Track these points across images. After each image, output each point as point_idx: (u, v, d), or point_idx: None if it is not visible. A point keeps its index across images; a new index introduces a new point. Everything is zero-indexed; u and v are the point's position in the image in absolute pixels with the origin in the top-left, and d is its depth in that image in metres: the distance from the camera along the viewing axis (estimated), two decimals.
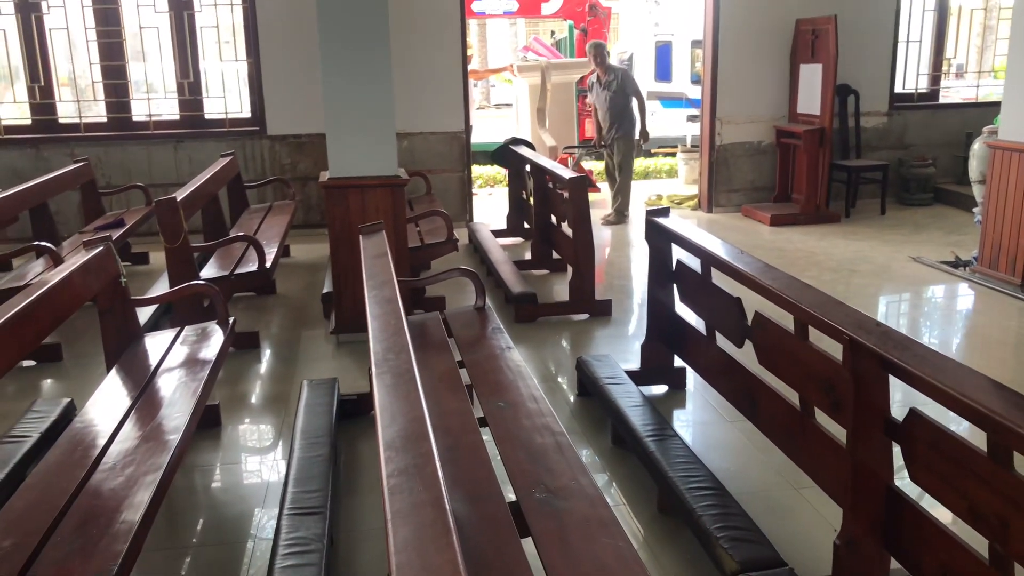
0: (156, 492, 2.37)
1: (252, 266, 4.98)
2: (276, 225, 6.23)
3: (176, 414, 2.95)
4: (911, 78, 8.83)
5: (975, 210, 6.92)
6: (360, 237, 3.67)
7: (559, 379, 4.51)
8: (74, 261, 3.35)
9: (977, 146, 7.00)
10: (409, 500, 1.46)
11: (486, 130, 15.46)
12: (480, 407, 2.97)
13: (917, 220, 8.06)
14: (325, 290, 5.53)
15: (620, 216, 8.32)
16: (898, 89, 8.80)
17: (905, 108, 8.83)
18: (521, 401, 2.89)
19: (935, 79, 9.16)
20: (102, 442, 2.75)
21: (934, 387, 1.99)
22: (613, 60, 10.04)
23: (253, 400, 4.37)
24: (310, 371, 4.64)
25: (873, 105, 8.67)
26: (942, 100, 9.42)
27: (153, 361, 3.52)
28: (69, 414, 3.64)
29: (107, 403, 3.12)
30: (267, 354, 4.99)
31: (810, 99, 8.04)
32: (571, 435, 3.79)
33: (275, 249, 5.40)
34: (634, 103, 8.23)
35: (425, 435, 1.68)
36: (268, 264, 4.97)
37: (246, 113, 7.96)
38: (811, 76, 8.01)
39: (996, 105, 6.19)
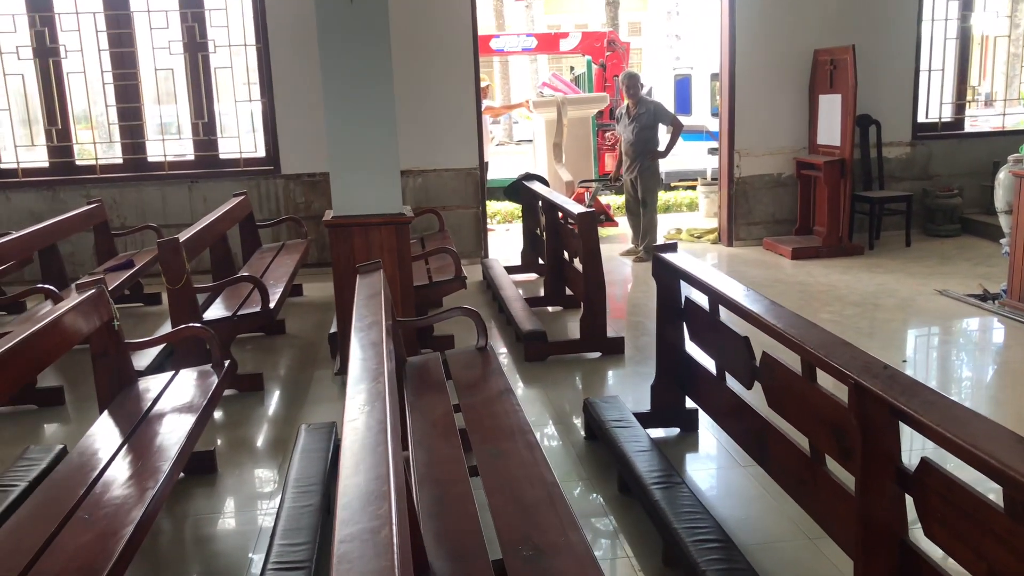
0: (125, 548, 2.26)
1: (256, 307, 4.91)
2: (286, 264, 6.18)
3: (159, 462, 2.86)
4: (934, 107, 8.65)
5: (1003, 241, 6.70)
6: (357, 276, 3.58)
7: (568, 421, 4.36)
8: (64, 304, 3.29)
9: (1003, 175, 6.80)
10: (358, 570, 1.34)
11: (506, 166, 15.48)
12: (474, 454, 2.84)
13: (943, 251, 7.85)
14: (332, 330, 5.44)
15: (650, 254, 8.15)
16: (921, 119, 8.63)
17: (929, 138, 8.64)
18: (515, 449, 2.76)
19: (959, 108, 8.97)
20: (80, 492, 2.65)
21: (944, 437, 1.84)
22: None
23: (252, 445, 4.27)
24: (313, 414, 4.54)
25: (895, 135, 8.50)
26: (968, 129, 9.23)
27: (144, 406, 3.44)
28: (61, 461, 3.55)
29: (92, 450, 3.03)
30: (271, 396, 4.90)
31: (830, 130, 7.90)
32: (577, 481, 3.67)
33: (281, 289, 5.34)
34: (661, 133, 8.07)
35: (386, 495, 1.56)
36: (272, 305, 4.89)
37: (260, 152, 7.97)
38: (830, 107, 7.88)
39: (1023, 133, 6.00)
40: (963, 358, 5.36)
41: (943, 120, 8.73)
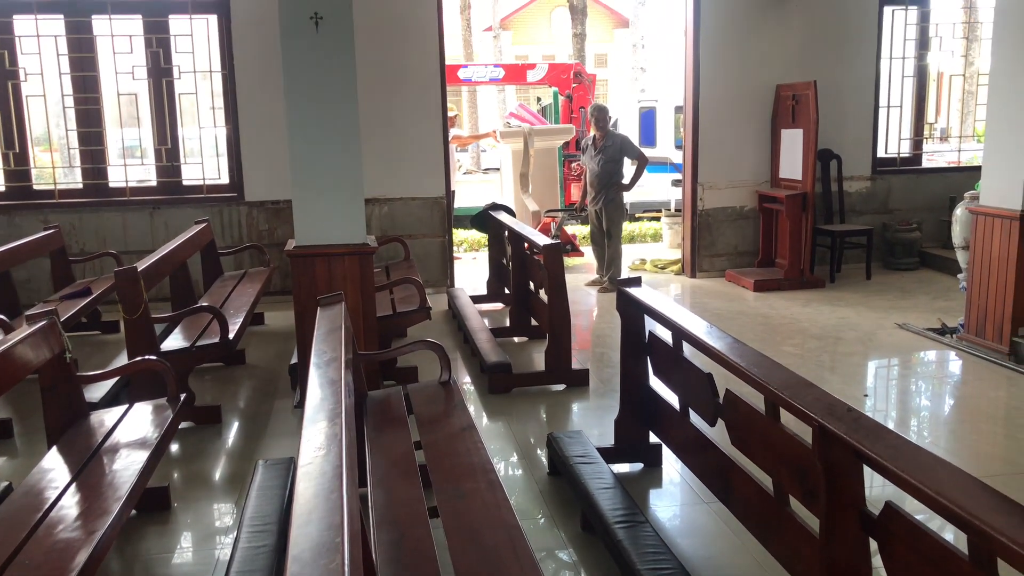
0: None
1: (215, 337, 4.81)
2: (247, 293, 6.08)
3: (109, 500, 2.76)
4: (893, 142, 8.82)
5: (960, 276, 6.82)
6: (318, 309, 3.52)
7: (532, 455, 4.31)
8: (14, 335, 3.19)
9: (960, 211, 6.93)
10: None
11: (473, 195, 15.48)
12: (435, 494, 2.78)
13: (903, 285, 7.96)
14: (293, 360, 5.35)
15: (614, 284, 8.17)
16: (880, 153, 8.78)
17: (888, 172, 8.80)
18: (477, 489, 2.70)
19: (917, 143, 9.16)
20: (23, 534, 2.55)
21: (909, 484, 1.82)
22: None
23: (209, 480, 4.16)
24: (272, 448, 4.44)
25: (856, 170, 8.64)
26: (925, 164, 9.42)
27: (96, 441, 3.33)
28: (3, 500, 3.42)
29: (38, 488, 2.92)
30: (229, 429, 4.79)
31: (792, 164, 8.01)
32: (540, 518, 3.61)
33: (241, 319, 5.24)
34: (626, 166, 8.13)
35: (339, 547, 1.50)
36: (231, 336, 4.80)
37: (224, 179, 7.88)
38: (792, 141, 7.99)
39: (979, 169, 6.13)
40: (923, 392, 5.41)
41: (902, 155, 8.90)
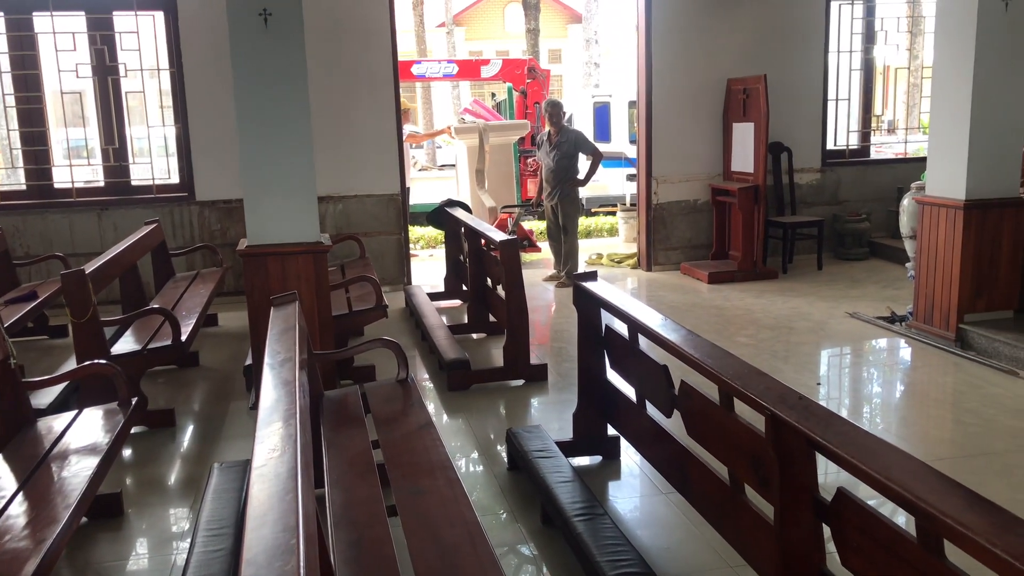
0: None
1: (168, 340, 4.73)
2: (200, 294, 5.99)
3: (58, 508, 2.70)
4: (842, 135, 8.98)
5: (908, 265, 6.97)
6: (272, 309, 3.48)
7: (491, 451, 4.31)
8: None
9: (906, 202, 7.07)
10: None
11: (429, 191, 15.44)
12: (393, 493, 2.76)
13: (853, 275, 8.10)
14: (247, 362, 5.28)
15: (572, 279, 8.18)
16: (830, 146, 8.93)
17: (838, 164, 8.95)
18: (436, 486, 2.69)
19: (865, 136, 9.33)
20: None
21: (860, 469, 1.86)
22: None
23: (163, 485, 4.09)
24: (228, 451, 4.38)
25: (806, 162, 8.78)
26: (873, 156, 9.60)
27: (44, 448, 3.26)
28: None
29: None
30: (183, 433, 4.71)
31: (744, 157, 8.10)
32: (500, 513, 3.61)
33: (194, 321, 5.16)
34: (581, 161, 8.14)
35: (294, 549, 1.48)
36: (184, 338, 4.72)
37: (174, 179, 7.75)
38: (744, 135, 8.08)
39: (924, 160, 6.28)
40: (874, 379, 5.52)
41: (850, 147, 9.06)
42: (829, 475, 3.49)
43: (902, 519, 3.04)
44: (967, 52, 5.54)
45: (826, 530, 2.21)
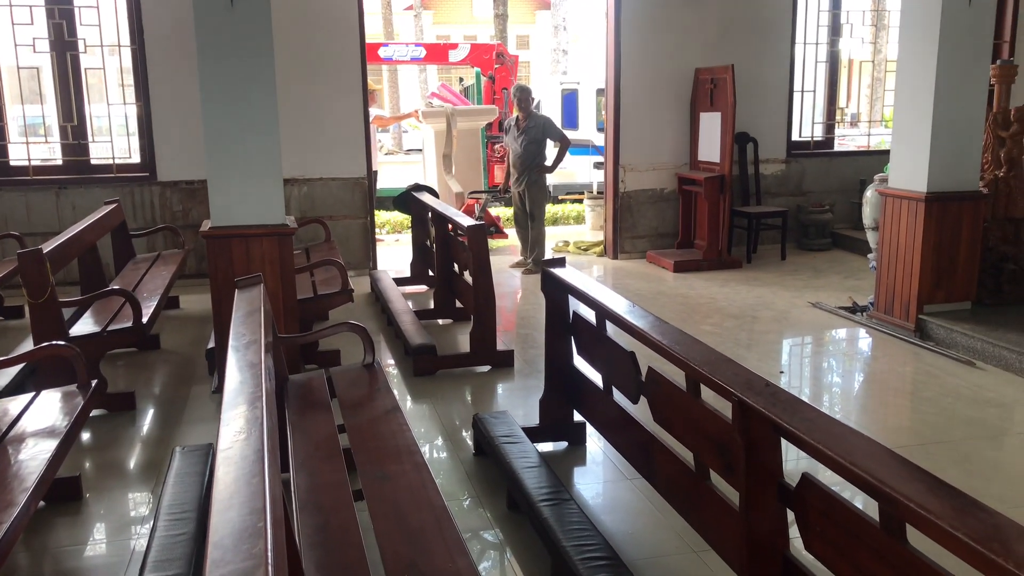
0: None
1: (128, 322, 4.65)
2: (161, 276, 5.89)
3: (15, 493, 2.64)
4: (807, 126, 9.07)
5: (870, 256, 7.07)
6: (236, 291, 3.43)
7: (457, 437, 4.31)
8: None
9: (869, 193, 7.17)
10: None
11: (395, 176, 15.33)
12: (359, 477, 2.74)
13: (816, 265, 8.21)
14: (210, 345, 5.21)
15: (538, 266, 8.18)
16: (795, 137, 9.02)
17: (802, 155, 9.04)
18: (402, 471, 2.68)
19: (829, 128, 9.44)
20: None
21: (824, 454, 1.88)
22: None
23: (123, 469, 4.02)
24: (189, 435, 4.32)
25: (772, 153, 8.85)
26: (837, 148, 9.71)
27: None
28: None
29: None
30: (144, 416, 4.64)
31: (710, 147, 8.15)
32: (466, 499, 3.61)
33: (155, 303, 5.08)
34: (549, 148, 8.10)
35: (261, 532, 1.46)
36: (145, 320, 4.64)
37: (135, 158, 7.60)
38: (711, 124, 8.13)
39: (887, 153, 6.36)
40: (835, 368, 5.60)
41: (815, 139, 9.16)
42: (791, 461, 3.53)
43: (863, 505, 3.09)
44: (931, 48, 5.62)
45: (790, 515, 2.24)
